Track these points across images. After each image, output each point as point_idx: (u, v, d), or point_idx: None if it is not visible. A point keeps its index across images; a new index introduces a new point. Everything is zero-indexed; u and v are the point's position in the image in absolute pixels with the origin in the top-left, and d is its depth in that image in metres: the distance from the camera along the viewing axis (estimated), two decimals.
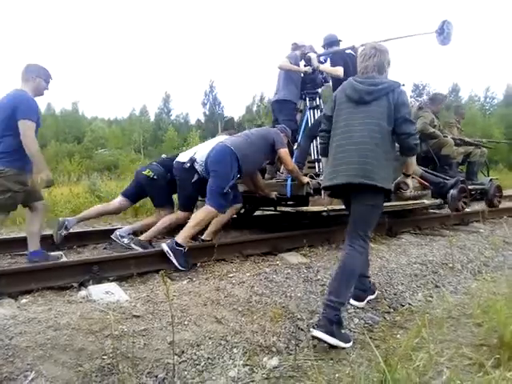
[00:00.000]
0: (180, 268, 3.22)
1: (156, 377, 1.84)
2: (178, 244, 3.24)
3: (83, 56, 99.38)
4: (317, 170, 4.89)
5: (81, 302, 2.47)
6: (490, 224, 5.68)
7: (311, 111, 5.15)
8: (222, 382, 1.87)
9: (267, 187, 4.46)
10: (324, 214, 4.03)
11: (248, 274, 3.03)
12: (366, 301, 2.78)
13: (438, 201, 5.56)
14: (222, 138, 4.06)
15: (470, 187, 6.25)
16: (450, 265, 3.73)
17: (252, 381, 1.89)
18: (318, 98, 5.24)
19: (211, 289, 2.71)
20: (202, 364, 1.96)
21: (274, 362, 2.06)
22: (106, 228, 5.15)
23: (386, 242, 4.34)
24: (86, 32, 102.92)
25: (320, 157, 2.93)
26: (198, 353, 2.02)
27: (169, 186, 4.18)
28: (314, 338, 2.27)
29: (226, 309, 2.44)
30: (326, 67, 4.72)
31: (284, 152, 4.01)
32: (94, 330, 2.02)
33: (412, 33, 4.43)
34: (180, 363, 1.93)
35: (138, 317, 2.25)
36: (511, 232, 5.10)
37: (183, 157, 4.04)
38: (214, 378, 1.90)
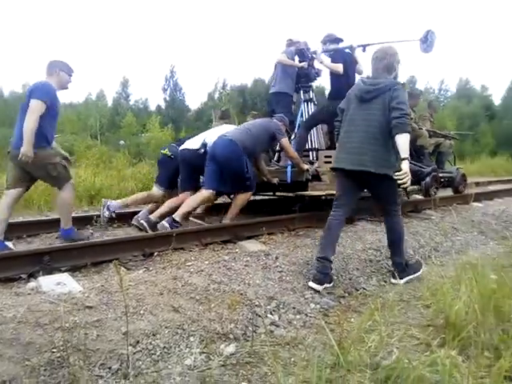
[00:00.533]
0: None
1: (109, 368, 1.79)
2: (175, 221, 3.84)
3: (35, 35, 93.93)
4: (310, 158, 5.28)
5: (29, 294, 2.36)
6: (440, 211, 5.93)
7: (305, 104, 5.55)
8: (178, 371, 1.85)
9: (269, 174, 4.74)
10: (323, 197, 4.41)
11: (207, 263, 3.01)
12: (323, 286, 2.86)
13: (416, 187, 6.17)
14: (228, 127, 4.48)
15: (440, 175, 6.76)
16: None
17: (208, 368, 1.89)
18: (311, 92, 5.62)
19: (168, 278, 2.67)
20: (158, 353, 1.94)
21: (231, 348, 2.07)
22: (58, 217, 4.93)
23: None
24: (39, 10, 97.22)
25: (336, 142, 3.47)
26: (153, 342, 1.99)
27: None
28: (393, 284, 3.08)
29: (183, 297, 2.42)
30: (329, 63, 4.92)
31: (285, 141, 4.41)
32: (42, 323, 1.94)
33: (398, 39, 4.80)
34: (135, 353, 1.90)
35: (91, 307, 2.18)
36: (459, 219, 5.37)
37: (193, 144, 4.34)
38: (169, 366, 1.88)
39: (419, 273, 3.19)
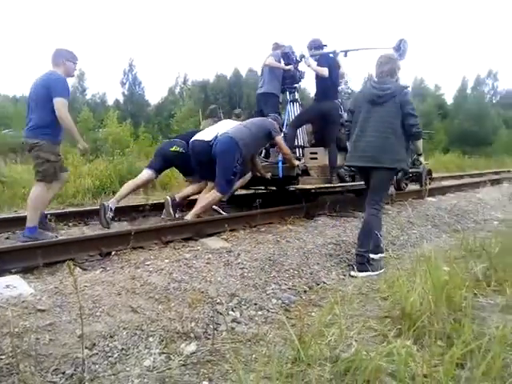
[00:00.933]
0: None
1: (63, 373, 1.72)
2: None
3: None
4: (297, 155, 5.60)
5: None
6: (397, 206, 6.14)
7: (291, 104, 5.92)
8: (137, 373, 1.80)
9: (263, 169, 5.10)
10: (312, 191, 4.89)
11: (167, 261, 2.95)
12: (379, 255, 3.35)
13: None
14: (233, 123, 4.80)
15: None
16: None
17: (168, 368, 1.85)
18: (296, 92, 5.98)
19: (126, 278, 2.59)
20: (115, 356, 1.87)
21: (192, 347, 2.04)
22: (8, 216, 4.69)
23: (303, 225, 4.50)
24: None
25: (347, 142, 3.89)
26: (110, 344, 1.92)
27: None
28: (352, 276, 3.22)
29: (141, 297, 2.36)
30: (316, 67, 5.14)
31: (280, 139, 4.77)
32: None
33: (373, 46, 5.26)
34: (90, 357, 1.83)
35: (44, 311, 2.08)
36: (414, 213, 5.58)
37: (206, 136, 4.57)
38: (127, 368, 1.82)
39: (377, 273, 3.25)
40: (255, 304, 2.55)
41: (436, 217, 5.53)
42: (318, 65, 5.15)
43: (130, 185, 4.84)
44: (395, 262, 3.30)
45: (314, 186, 4.90)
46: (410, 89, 4.87)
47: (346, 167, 5.05)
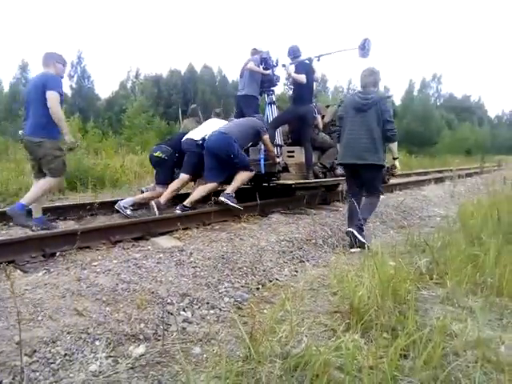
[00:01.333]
0: (235, 205, 4.56)
1: (0, 383, 1.61)
2: (229, 194, 4.59)
3: None
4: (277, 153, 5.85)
5: None
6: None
7: (269, 106, 6.24)
8: (81, 379, 1.72)
9: None
10: (293, 186, 5.38)
11: (115, 262, 2.85)
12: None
13: None
14: (221, 122, 5.32)
15: None
16: (313, 241, 4.05)
17: (115, 372, 1.78)
18: (273, 95, 6.33)
19: (71, 279, 2.47)
20: (58, 362, 1.78)
21: (141, 349, 1.98)
22: None
23: (257, 222, 4.52)
24: None
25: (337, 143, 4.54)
26: (53, 350, 1.82)
27: (175, 163, 5.20)
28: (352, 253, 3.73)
29: (88, 299, 2.26)
30: (296, 75, 5.53)
31: (266, 138, 5.13)
32: None
33: (342, 48, 5.77)
34: (30, 364, 1.72)
35: None
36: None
37: (194, 135, 5.07)
38: (71, 375, 1.74)
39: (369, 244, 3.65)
40: (207, 303, 2.53)
41: (384, 213, 5.74)
42: (295, 71, 5.55)
43: (149, 194, 5.11)
44: (345, 258, 3.38)
45: (294, 182, 5.38)
46: (392, 97, 6.15)
47: (319, 164, 6.03)
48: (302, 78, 5.44)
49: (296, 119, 5.87)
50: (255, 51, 6.21)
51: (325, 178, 6.09)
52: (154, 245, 3.42)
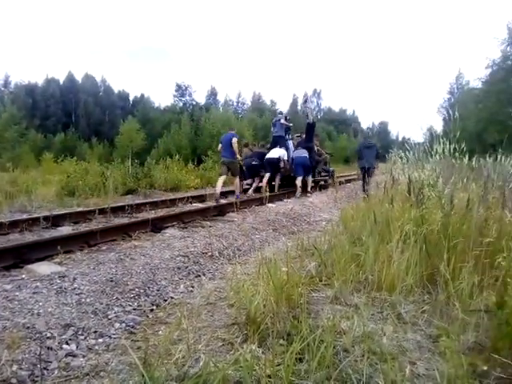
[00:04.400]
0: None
1: None
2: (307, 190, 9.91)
3: None
4: None
5: None
6: (241, 213, 6.42)
7: (288, 141, 11.02)
8: None
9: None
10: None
11: None
12: None
13: (327, 177, 12.27)
14: (277, 150, 10.07)
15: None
16: (210, 253, 4.00)
17: None
18: (289, 135, 11.25)
19: None
20: None
21: None
22: None
23: (150, 239, 4.32)
24: None
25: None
26: None
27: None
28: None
29: None
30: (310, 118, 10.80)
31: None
32: None
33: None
34: None
35: None
36: (257, 219, 5.92)
37: (273, 155, 9.84)
38: None
39: None
40: (95, 332, 2.30)
41: (276, 221, 5.96)
42: (306, 116, 10.76)
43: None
44: (241, 268, 3.40)
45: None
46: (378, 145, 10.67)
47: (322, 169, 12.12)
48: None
49: (307, 148, 10.18)
50: (281, 112, 12.44)
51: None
52: (29, 273, 3.03)
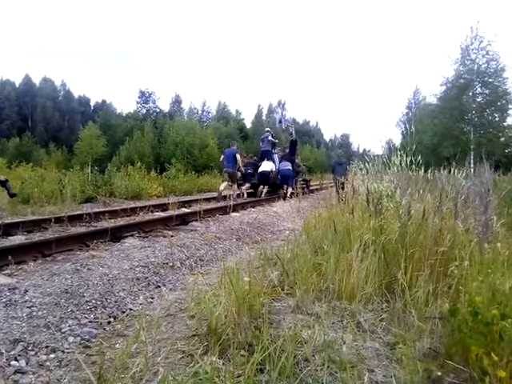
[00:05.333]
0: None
1: None
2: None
3: None
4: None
5: None
6: (205, 222, 6.36)
7: (275, 155, 12.76)
8: None
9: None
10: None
11: None
12: None
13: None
14: (267, 163, 11.88)
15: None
16: (171, 264, 3.92)
17: None
18: (275, 149, 13.21)
19: None
20: None
21: None
22: None
23: (109, 249, 4.19)
24: None
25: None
26: None
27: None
28: None
29: None
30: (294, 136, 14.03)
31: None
32: None
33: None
34: None
35: None
36: (221, 228, 5.88)
37: (265, 168, 11.66)
38: None
39: None
40: (47, 347, 2.19)
41: (239, 230, 5.94)
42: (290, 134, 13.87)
43: (227, 186, 10.73)
44: (203, 278, 3.35)
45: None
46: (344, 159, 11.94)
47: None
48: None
49: (290, 161, 12.23)
50: (268, 130, 12.97)
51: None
52: None
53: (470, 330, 1.77)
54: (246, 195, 11.31)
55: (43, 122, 43.77)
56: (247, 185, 11.76)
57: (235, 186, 10.78)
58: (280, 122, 13.81)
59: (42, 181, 10.27)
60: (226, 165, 10.49)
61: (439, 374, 1.76)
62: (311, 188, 15.78)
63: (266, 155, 12.21)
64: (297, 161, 13.45)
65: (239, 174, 11.15)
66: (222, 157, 10.91)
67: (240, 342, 2.03)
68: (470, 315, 1.78)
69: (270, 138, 12.34)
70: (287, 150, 13.34)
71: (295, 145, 13.27)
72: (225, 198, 9.68)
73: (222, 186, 10.48)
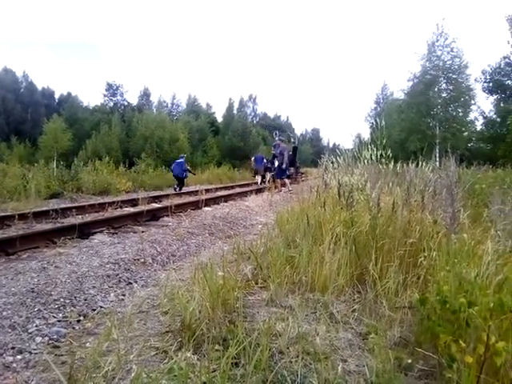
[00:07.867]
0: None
1: None
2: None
3: None
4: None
5: None
6: (176, 217, 6.29)
7: (276, 157, 14.28)
8: None
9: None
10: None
11: None
12: None
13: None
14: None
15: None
16: (142, 260, 3.86)
17: None
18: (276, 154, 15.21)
19: None
20: None
21: None
22: None
23: (77, 245, 4.07)
24: None
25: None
26: None
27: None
28: None
29: None
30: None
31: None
32: None
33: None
34: None
35: None
36: (193, 223, 5.83)
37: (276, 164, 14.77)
38: None
39: None
40: (12, 348, 2.11)
41: (212, 225, 5.91)
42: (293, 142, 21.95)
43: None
44: (176, 274, 3.31)
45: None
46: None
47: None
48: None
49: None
50: (280, 139, 15.40)
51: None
52: None
53: (439, 318, 1.83)
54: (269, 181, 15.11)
55: (4, 114, 41.90)
56: (269, 174, 15.98)
57: (261, 178, 16.89)
58: (278, 135, 17.77)
59: (4, 176, 9.86)
60: (258, 166, 16.98)
61: (409, 361, 1.82)
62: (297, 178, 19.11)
63: (277, 157, 15.02)
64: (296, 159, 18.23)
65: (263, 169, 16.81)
66: (253, 159, 17.78)
67: (215, 336, 2.01)
68: (438, 304, 1.84)
69: (282, 145, 14.68)
70: (290, 153, 16.17)
71: (296, 149, 19.13)
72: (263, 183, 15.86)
73: (258, 178, 17.12)
